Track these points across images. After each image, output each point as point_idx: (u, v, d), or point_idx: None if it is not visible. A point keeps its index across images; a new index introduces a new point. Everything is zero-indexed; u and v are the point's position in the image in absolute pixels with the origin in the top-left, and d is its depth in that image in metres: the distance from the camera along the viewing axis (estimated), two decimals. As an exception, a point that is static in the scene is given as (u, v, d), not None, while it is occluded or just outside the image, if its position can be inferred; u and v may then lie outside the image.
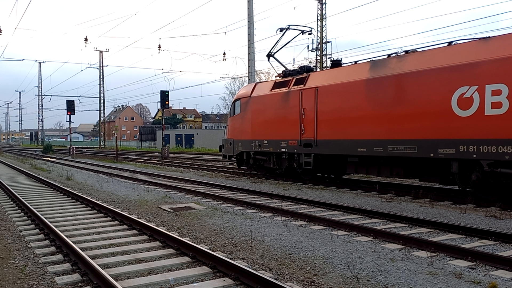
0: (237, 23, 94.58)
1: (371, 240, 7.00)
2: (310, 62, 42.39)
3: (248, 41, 27.25)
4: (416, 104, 10.91)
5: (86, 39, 42.47)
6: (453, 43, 10.59)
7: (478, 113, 9.59)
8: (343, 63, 14.41)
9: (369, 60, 12.74)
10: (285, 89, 15.47)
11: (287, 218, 8.86)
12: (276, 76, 17.17)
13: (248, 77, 27.75)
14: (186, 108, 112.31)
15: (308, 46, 36.95)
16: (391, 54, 12.14)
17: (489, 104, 9.41)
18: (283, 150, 15.57)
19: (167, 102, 32.76)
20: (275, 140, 15.85)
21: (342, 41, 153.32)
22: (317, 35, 36.63)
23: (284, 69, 17.05)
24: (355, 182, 14.83)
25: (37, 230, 7.79)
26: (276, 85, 16.18)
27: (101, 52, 61.64)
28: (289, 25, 16.92)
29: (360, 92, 12.40)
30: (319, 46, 36.53)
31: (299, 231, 7.66)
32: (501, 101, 9.21)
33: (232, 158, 19.16)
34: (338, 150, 13.27)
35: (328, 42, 36.67)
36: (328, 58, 36.46)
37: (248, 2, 27.10)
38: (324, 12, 36.25)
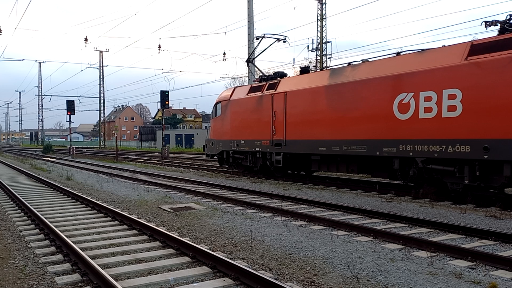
0: (237, 23, 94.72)
1: (371, 240, 7.00)
2: (310, 62, 42.41)
3: (248, 41, 27.24)
4: (365, 108, 12.22)
5: (86, 39, 42.54)
6: (402, 53, 11.80)
7: (414, 116, 10.91)
8: (312, 70, 15.71)
9: (329, 68, 13.92)
10: (259, 93, 16.74)
11: (287, 218, 8.86)
12: (253, 81, 18.28)
13: (248, 77, 27.74)
14: (186, 108, 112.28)
15: (308, 46, 37.01)
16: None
17: (422, 108, 10.74)
18: (257, 149, 16.86)
19: (167, 102, 32.75)
20: (251, 140, 17.11)
21: (342, 41, 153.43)
22: (317, 35, 36.66)
23: (261, 74, 18.28)
24: (355, 182, 14.85)
25: (37, 230, 7.79)
26: (252, 89, 17.45)
27: (101, 52, 61.70)
28: (264, 34, 18.22)
29: (321, 97, 13.74)
30: (319, 46, 36.53)
31: (299, 231, 7.66)
32: (431, 106, 10.53)
33: (215, 157, 20.35)
34: (303, 149, 14.59)
35: (328, 42, 36.69)
36: (328, 58, 36.48)
37: (248, 2, 27.10)
38: (324, 12, 36.24)
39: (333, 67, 13.83)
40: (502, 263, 5.53)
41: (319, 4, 36.05)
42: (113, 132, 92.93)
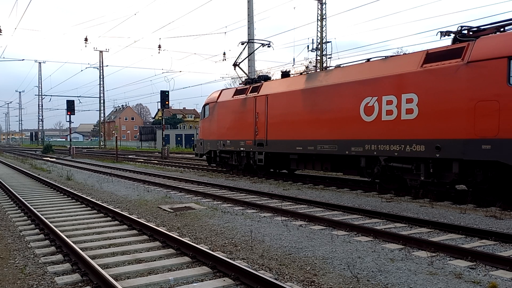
0: (237, 23, 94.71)
1: (371, 240, 7.00)
2: (310, 62, 42.44)
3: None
4: (336, 111, 13.26)
5: (86, 39, 42.54)
6: (371, 59, 12.69)
7: (377, 118, 11.89)
8: (291, 74, 17.35)
9: (305, 73, 14.88)
10: (243, 96, 17.84)
11: (287, 218, 8.86)
12: (240, 84, 19.42)
13: (248, 77, 27.72)
14: (186, 108, 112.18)
15: (308, 46, 37.00)
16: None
17: (384, 111, 11.73)
18: (241, 149, 17.91)
19: (167, 102, 32.74)
20: (236, 140, 18.20)
21: (342, 41, 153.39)
22: (317, 35, 36.65)
23: (246, 77, 19.64)
24: (355, 182, 14.85)
25: (37, 230, 7.79)
26: (237, 92, 18.54)
27: (101, 52, 61.69)
28: (249, 39, 19.36)
29: (298, 100, 14.79)
30: (319, 46, 36.51)
31: (299, 231, 7.66)
32: (392, 109, 11.53)
33: (204, 157, 21.49)
34: (283, 148, 15.62)
35: (328, 42, 36.67)
36: (328, 58, 36.46)
37: (248, 2, 27.07)
38: (324, 12, 36.23)
39: (309, 72, 15.06)
40: (502, 263, 5.53)
41: (319, 4, 36.05)
42: (113, 132, 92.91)
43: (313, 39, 36.76)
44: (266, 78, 18.22)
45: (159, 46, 36.27)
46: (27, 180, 17.06)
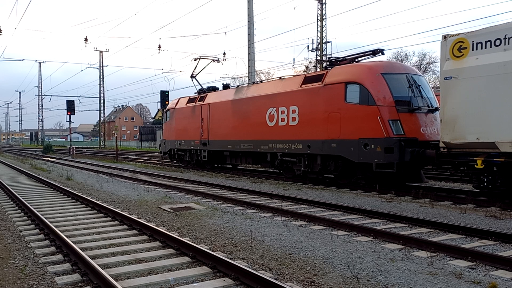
0: (237, 23, 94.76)
1: (371, 240, 7.00)
2: (310, 62, 42.41)
3: (248, 41, 27.25)
4: (251, 117, 17.12)
5: (86, 39, 42.58)
6: (283, 77, 16.43)
7: (276, 124, 15.76)
8: (231, 86, 21.30)
9: (235, 87, 19.57)
10: (193, 104, 21.76)
11: (287, 218, 8.86)
12: (195, 93, 23.25)
13: (248, 77, 27.75)
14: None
15: (308, 46, 36.95)
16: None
17: (280, 119, 15.57)
18: (192, 147, 21.72)
19: (167, 102, 32.66)
20: (188, 140, 22.06)
21: (342, 41, 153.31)
22: (317, 35, 36.63)
23: (200, 87, 23.17)
24: (354, 182, 14.83)
25: (37, 230, 7.79)
26: (189, 100, 22.48)
27: (101, 52, 61.61)
28: (200, 56, 23.48)
29: (229, 108, 18.67)
30: (319, 46, 36.49)
31: (299, 231, 7.66)
32: (284, 117, 15.36)
33: (166, 155, 25.21)
34: (219, 147, 19.35)
35: (328, 42, 36.63)
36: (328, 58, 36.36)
37: (248, 2, 27.09)
38: (324, 12, 36.21)
39: (238, 86, 18.53)
40: (502, 263, 5.53)
41: (319, 4, 36.02)
42: (113, 132, 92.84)
43: (313, 39, 36.70)
44: (215, 89, 21.96)
45: (159, 46, 36.32)
46: (27, 180, 17.06)
